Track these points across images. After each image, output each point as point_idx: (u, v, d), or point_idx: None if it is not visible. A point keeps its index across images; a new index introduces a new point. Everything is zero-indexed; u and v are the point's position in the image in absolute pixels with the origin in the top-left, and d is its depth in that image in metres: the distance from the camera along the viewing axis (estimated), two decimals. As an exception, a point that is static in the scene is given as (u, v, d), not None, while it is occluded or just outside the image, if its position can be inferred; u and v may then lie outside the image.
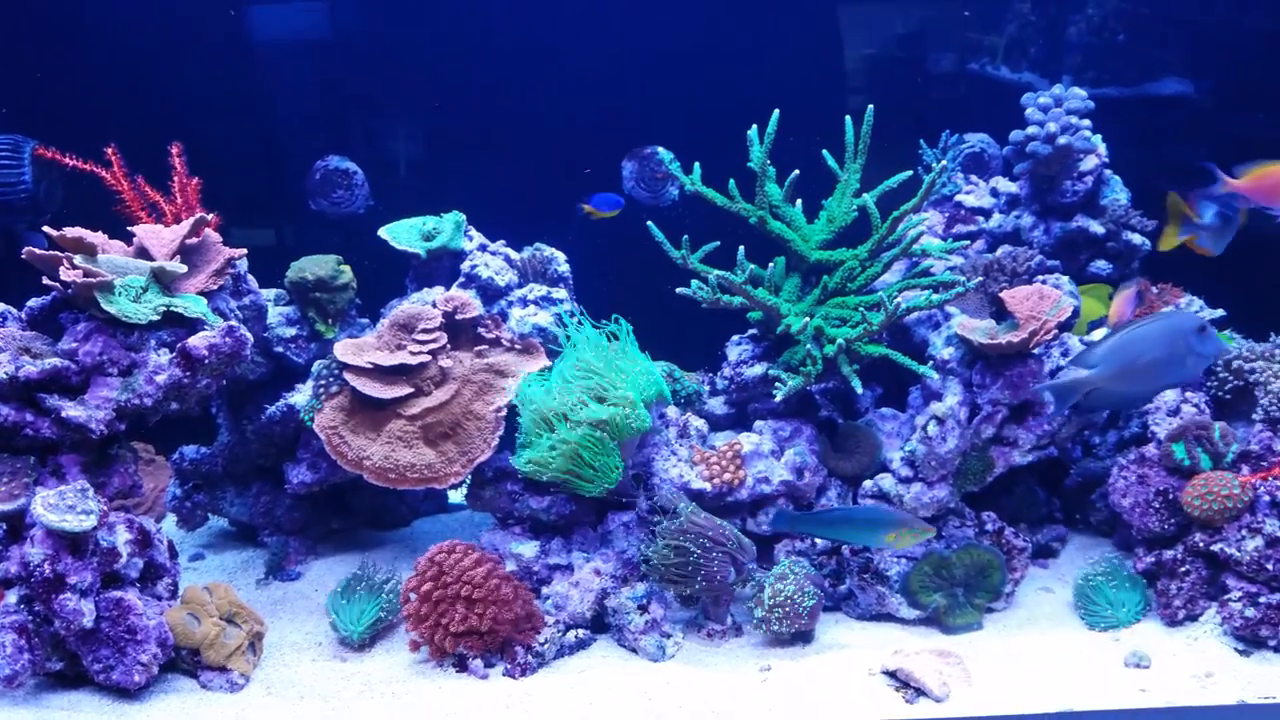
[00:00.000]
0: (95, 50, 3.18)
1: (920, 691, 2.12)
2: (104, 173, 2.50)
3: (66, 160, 2.51)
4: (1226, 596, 2.30)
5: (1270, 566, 2.25)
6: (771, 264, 2.69)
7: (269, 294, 2.77)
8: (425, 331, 2.57)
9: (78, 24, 3.18)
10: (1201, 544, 2.36)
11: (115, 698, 2.13)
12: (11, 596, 2.09)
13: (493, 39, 3.29)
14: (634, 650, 2.34)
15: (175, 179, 2.56)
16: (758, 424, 2.64)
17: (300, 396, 2.62)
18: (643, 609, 2.34)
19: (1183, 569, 2.38)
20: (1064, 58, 3.38)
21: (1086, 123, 2.83)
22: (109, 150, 2.50)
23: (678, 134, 2.98)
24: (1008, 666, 2.23)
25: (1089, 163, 2.87)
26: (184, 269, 2.34)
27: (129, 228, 2.45)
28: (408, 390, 2.51)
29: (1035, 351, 2.47)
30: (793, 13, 3.34)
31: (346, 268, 2.80)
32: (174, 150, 2.56)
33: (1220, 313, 2.69)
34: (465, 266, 2.81)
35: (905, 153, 3.03)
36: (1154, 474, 2.46)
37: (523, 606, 2.29)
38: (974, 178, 3.16)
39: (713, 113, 3.03)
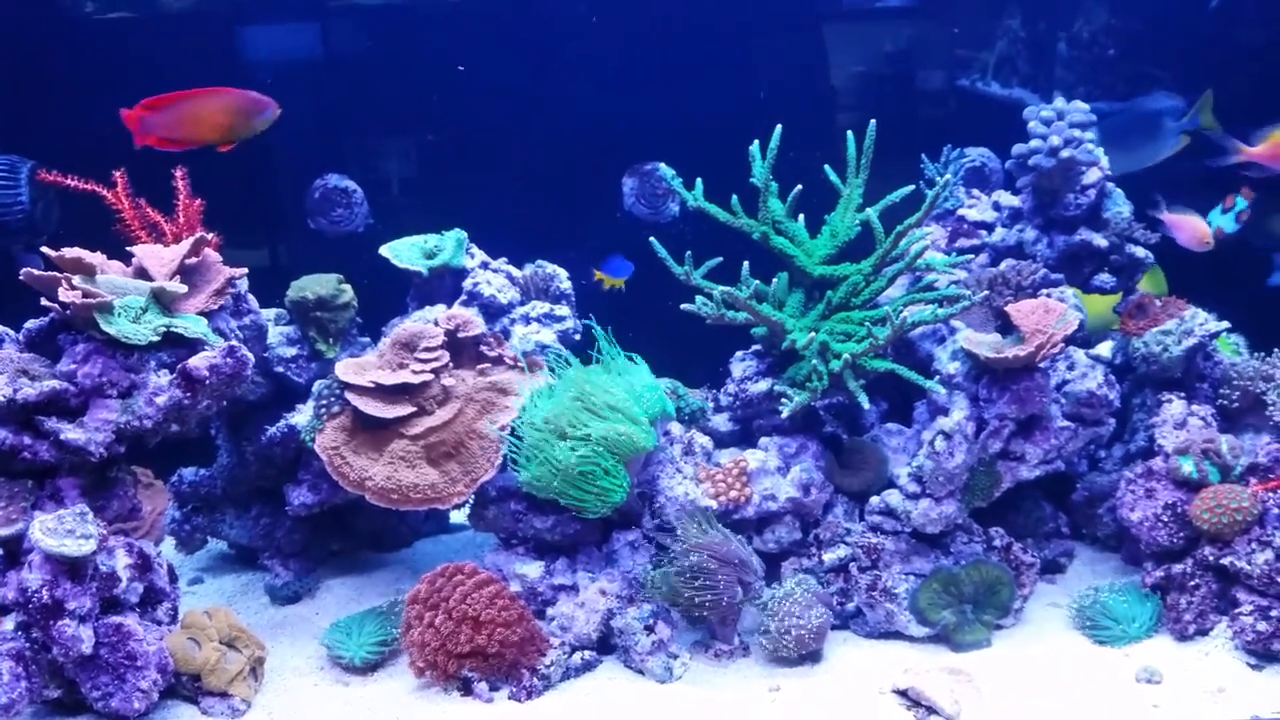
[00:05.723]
0: (93, 69, 3.16)
1: (931, 710, 2.10)
2: (106, 192, 2.48)
3: (68, 182, 2.48)
4: (1237, 610, 2.28)
5: (1281, 580, 2.23)
6: (775, 279, 2.68)
7: (269, 314, 2.74)
8: (427, 350, 2.55)
9: (75, 43, 3.17)
10: (1211, 558, 2.34)
11: (115, 725, 2.10)
12: (9, 623, 2.05)
13: (492, 56, 3.29)
14: (641, 671, 2.31)
15: (180, 200, 2.54)
16: (763, 440, 2.62)
17: (301, 417, 2.59)
18: (649, 629, 2.32)
19: (1192, 583, 2.36)
20: (1054, 73, 3.39)
21: (1089, 135, 2.83)
22: (117, 173, 2.47)
23: (678, 150, 2.96)
24: (1019, 683, 2.21)
25: (1091, 176, 2.86)
26: (184, 289, 2.32)
27: (128, 248, 2.43)
28: (410, 409, 2.48)
29: (1041, 365, 2.46)
30: (789, 30, 3.34)
31: (347, 286, 2.78)
32: (178, 174, 2.54)
33: (1225, 325, 2.68)
34: (467, 284, 2.79)
35: (899, 169, 3.02)
36: (1161, 488, 2.45)
37: (525, 628, 2.26)
38: (976, 191, 3.16)
39: (712, 129, 3.02)
